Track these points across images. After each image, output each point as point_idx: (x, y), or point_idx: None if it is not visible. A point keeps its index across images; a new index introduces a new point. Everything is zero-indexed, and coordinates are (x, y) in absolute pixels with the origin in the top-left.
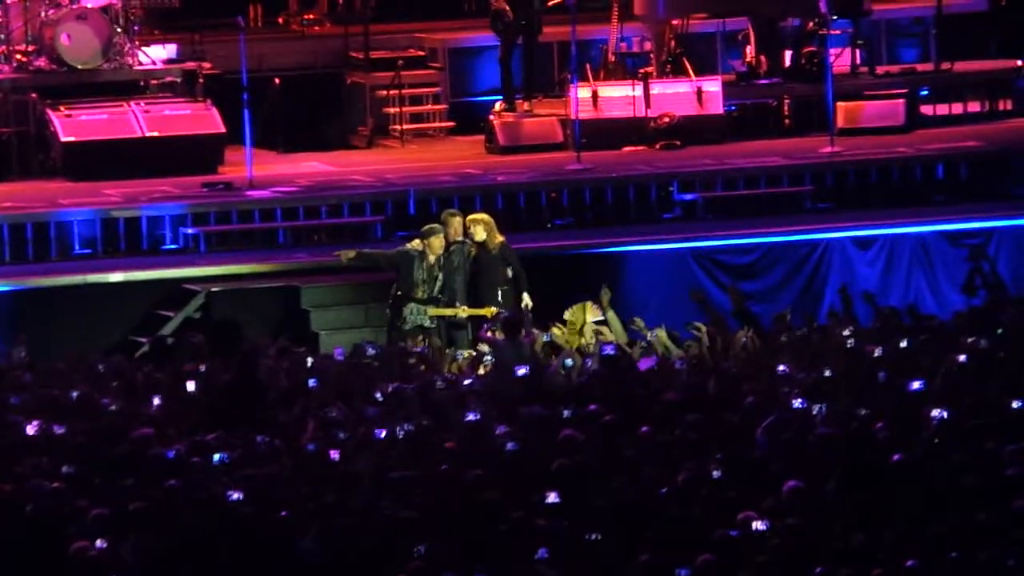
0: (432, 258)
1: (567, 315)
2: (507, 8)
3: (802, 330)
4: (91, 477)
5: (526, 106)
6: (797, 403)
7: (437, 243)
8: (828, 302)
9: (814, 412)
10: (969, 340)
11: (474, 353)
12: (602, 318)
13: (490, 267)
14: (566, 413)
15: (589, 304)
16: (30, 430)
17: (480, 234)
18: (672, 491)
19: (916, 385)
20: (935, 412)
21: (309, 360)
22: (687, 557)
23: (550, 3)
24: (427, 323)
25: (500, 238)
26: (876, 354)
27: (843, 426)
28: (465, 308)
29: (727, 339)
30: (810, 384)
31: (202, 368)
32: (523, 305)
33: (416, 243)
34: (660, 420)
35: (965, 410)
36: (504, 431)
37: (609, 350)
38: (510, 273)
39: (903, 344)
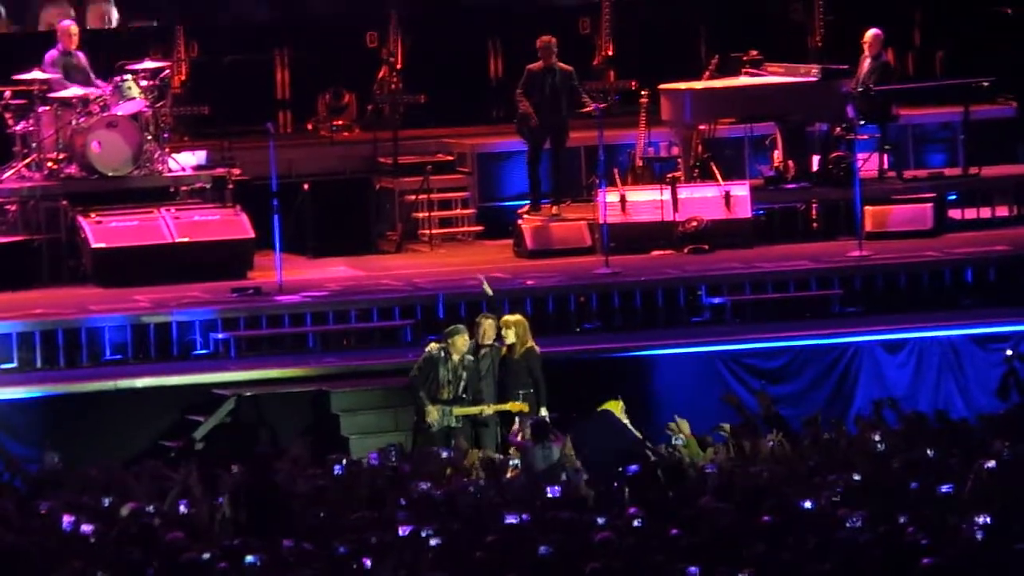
0: (456, 358)
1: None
2: (532, 113)
3: (831, 434)
4: None
5: (554, 210)
6: (825, 506)
7: (460, 342)
8: (857, 406)
9: (848, 523)
10: (999, 444)
11: (501, 456)
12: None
13: (513, 371)
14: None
15: (618, 403)
16: (65, 532)
17: (510, 337)
18: None
19: (945, 488)
20: (979, 519)
21: (337, 466)
22: None
23: (586, 108)
24: (454, 423)
25: (530, 343)
26: (905, 459)
27: (874, 530)
28: (491, 405)
29: (756, 443)
30: (841, 488)
31: (231, 473)
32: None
33: (433, 346)
34: (691, 523)
35: (998, 514)
36: (536, 535)
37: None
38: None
39: (932, 449)
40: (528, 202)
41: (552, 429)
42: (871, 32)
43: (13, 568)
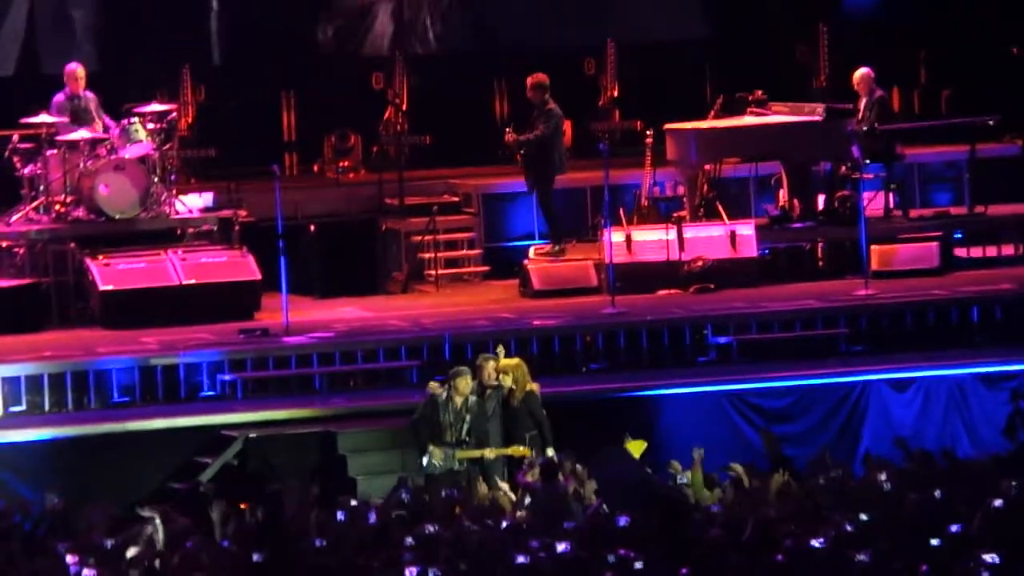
0: (459, 400)
1: None
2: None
3: (837, 472)
4: None
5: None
6: (834, 545)
7: (463, 384)
8: (864, 445)
9: (856, 560)
10: (1007, 483)
11: (510, 496)
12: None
13: (516, 416)
14: (610, 558)
15: (634, 442)
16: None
17: (508, 382)
18: None
19: (954, 528)
20: (987, 557)
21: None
22: None
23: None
24: (457, 467)
25: (531, 385)
26: (913, 498)
27: (884, 569)
28: (493, 449)
29: (764, 481)
30: (849, 527)
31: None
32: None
33: (434, 386)
34: (700, 561)
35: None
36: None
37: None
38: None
39: (940, 488)
40: (536, 242)
41: (561, 468)
42: (859, 72)
43: None
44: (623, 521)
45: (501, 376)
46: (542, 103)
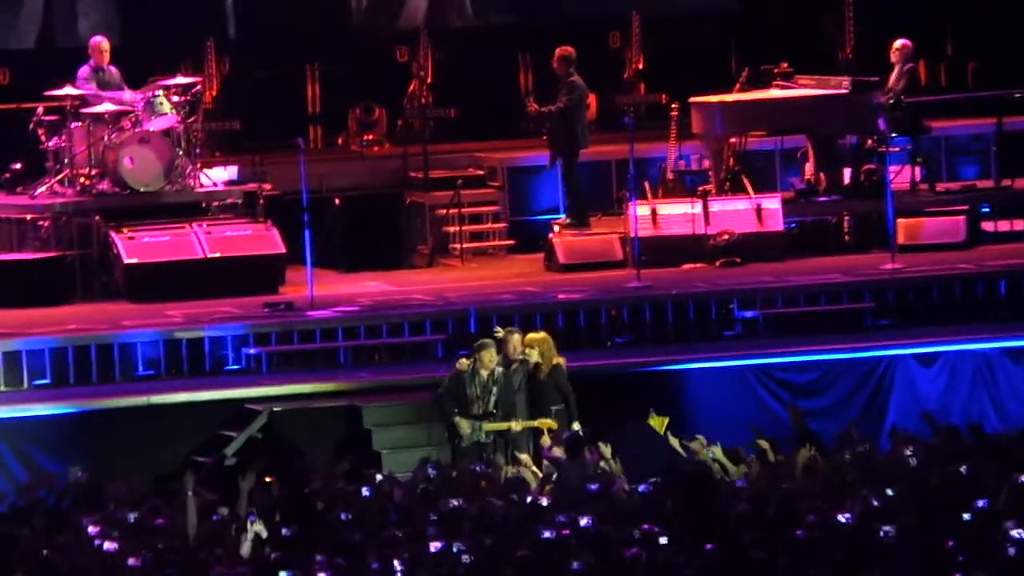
0: (484, 373)
1: None
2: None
3: (864, 447)
4: None
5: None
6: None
7: (488, 357)
8: (890, 420)
9: (881, 533)
10: None
11: (535, 470)
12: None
13: (542, 390)
14: (635, 533)
15: (662, 419)
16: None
17: (534, 356)
18: None
19: (980, 503)
20: (1015, 532)
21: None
22: None
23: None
24: (483, 439)
25: (557, 360)
26: (940, 473)
27: (909, 544)
28: (520, 421)
29: (790, 456)
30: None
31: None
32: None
33: (463, 362)
34: (724, 537)
35: None
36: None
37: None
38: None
39: (966, 463)
40: (560, 215)
41: (587, 443)
42: (899, 42)
43: None
44: (643, 488)
45: (527, 350)
46: (567, 76)
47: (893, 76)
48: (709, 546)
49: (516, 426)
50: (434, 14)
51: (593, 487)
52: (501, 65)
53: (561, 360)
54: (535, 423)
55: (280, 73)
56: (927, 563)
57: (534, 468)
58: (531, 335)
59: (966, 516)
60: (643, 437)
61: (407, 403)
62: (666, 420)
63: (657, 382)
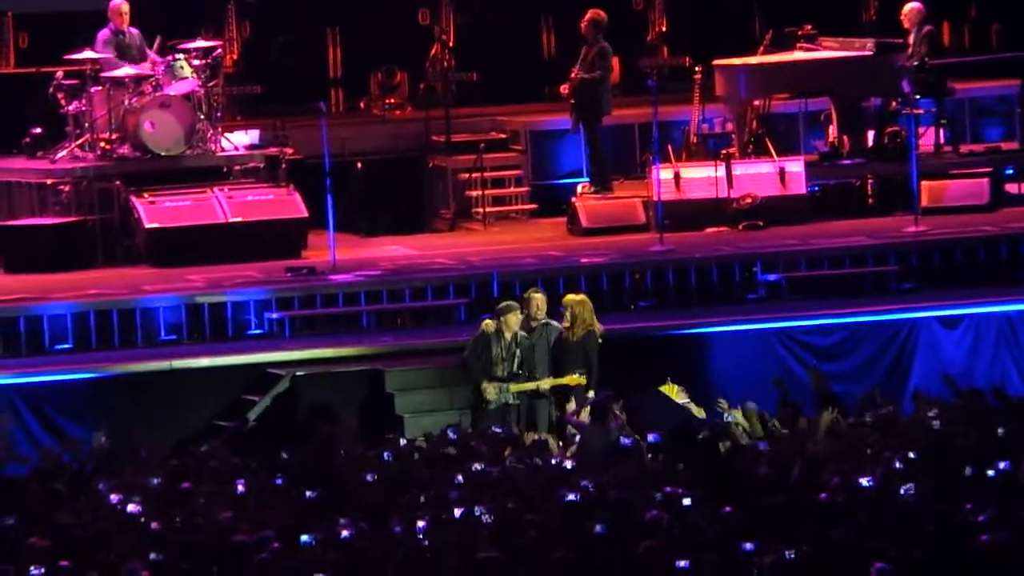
0: (508, 335)
1: None
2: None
3: (887, 409)
4: (179, 564)
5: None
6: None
7: (513, 319)
8: (914, 383)
9: (902, 491)
10: None
11: (556, 437)
12: (687, 399)
13: (569, 351)
14: (657, 496)
15: (673, 386)
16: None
17: (568, 317)
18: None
19: (1003, 465)
20: None
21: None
22: None
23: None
24: (511, 400)
25: (595, 326)
26: (963, 436)
27: (930, 505)
28: (548, 379)
29: (813, 419)
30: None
31: (285, 454)
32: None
33: (489, 323)
34: (746, 499)
35: None
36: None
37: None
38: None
39: (991, 425)
40: (583, 179)
41: (611, 409)
42: (909, 6)
43: (67, 546)
44: (654, 438)
45: (566, 310)
46: (595, 40)
47: (911, 41)
48: (727, 508)
49: (544, 384)
50: None
51: (619, 447)
52: (523, 28)
53: (598, 327)
54: (564, 380)
55: (301, 36)
56: (948, 524)
57: (552, 437)
58: (570, 296)
59: (989, 476)
60: (657, 404)
61: (430, 367)
62: (678, 388)
63: (680, 346)
